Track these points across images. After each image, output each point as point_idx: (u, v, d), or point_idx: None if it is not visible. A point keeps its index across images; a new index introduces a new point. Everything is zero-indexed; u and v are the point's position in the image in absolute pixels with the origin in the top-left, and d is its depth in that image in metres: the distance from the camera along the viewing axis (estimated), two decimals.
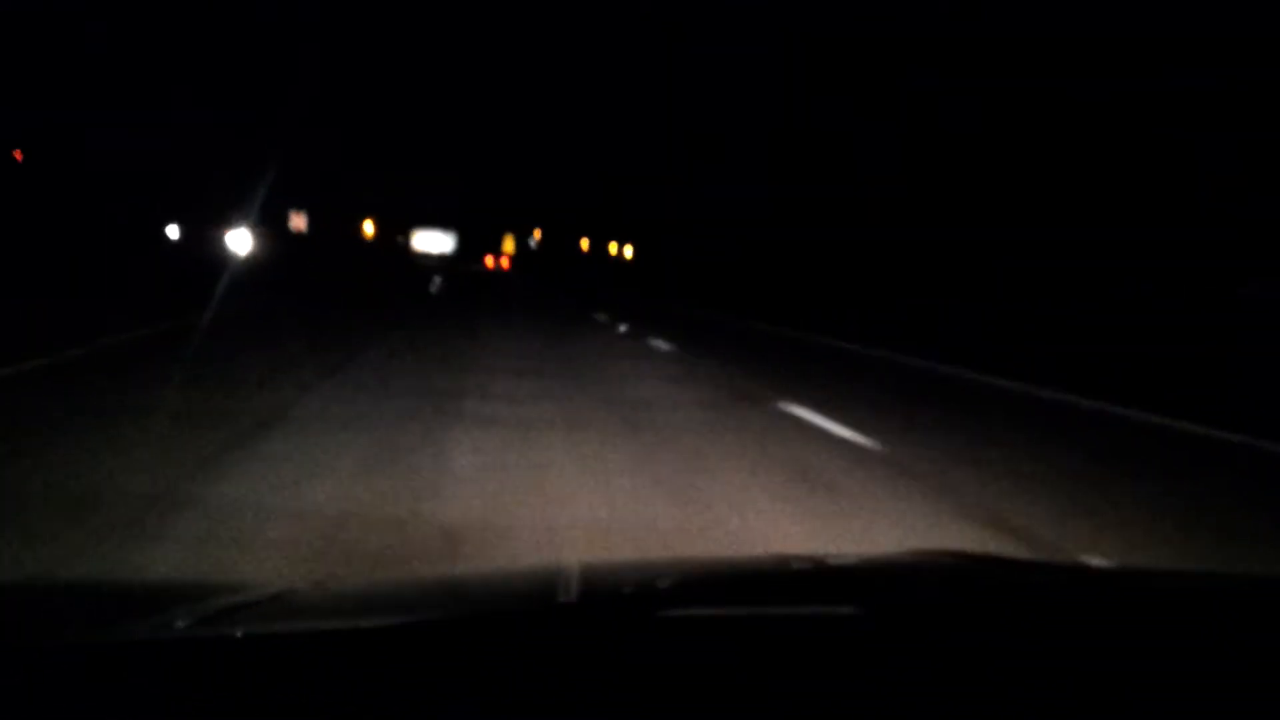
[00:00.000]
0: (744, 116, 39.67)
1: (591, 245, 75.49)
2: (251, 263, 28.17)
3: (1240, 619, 1.19)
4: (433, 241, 76.28)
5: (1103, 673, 0.95)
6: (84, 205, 26.54)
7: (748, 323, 20.48)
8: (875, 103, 27.47)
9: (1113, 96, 19.52)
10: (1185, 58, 17.50)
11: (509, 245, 74.68)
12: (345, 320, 14.10)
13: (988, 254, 21.87)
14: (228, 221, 36.87)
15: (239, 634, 1.05)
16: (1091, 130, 20.39)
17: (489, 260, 74.67)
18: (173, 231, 37.22)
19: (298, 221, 56.66)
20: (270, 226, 45.45)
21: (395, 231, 77.72)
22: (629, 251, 70.28)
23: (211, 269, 18.90)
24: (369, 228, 71.04)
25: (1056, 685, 0.91)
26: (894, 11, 26.63)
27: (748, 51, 36.68)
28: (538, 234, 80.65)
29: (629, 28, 73.24)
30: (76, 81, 27.69)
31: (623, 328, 16.41)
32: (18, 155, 29.12)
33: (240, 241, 35.42)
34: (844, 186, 29.61)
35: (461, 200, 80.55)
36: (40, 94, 26.87)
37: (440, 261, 65.22)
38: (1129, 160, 19.36)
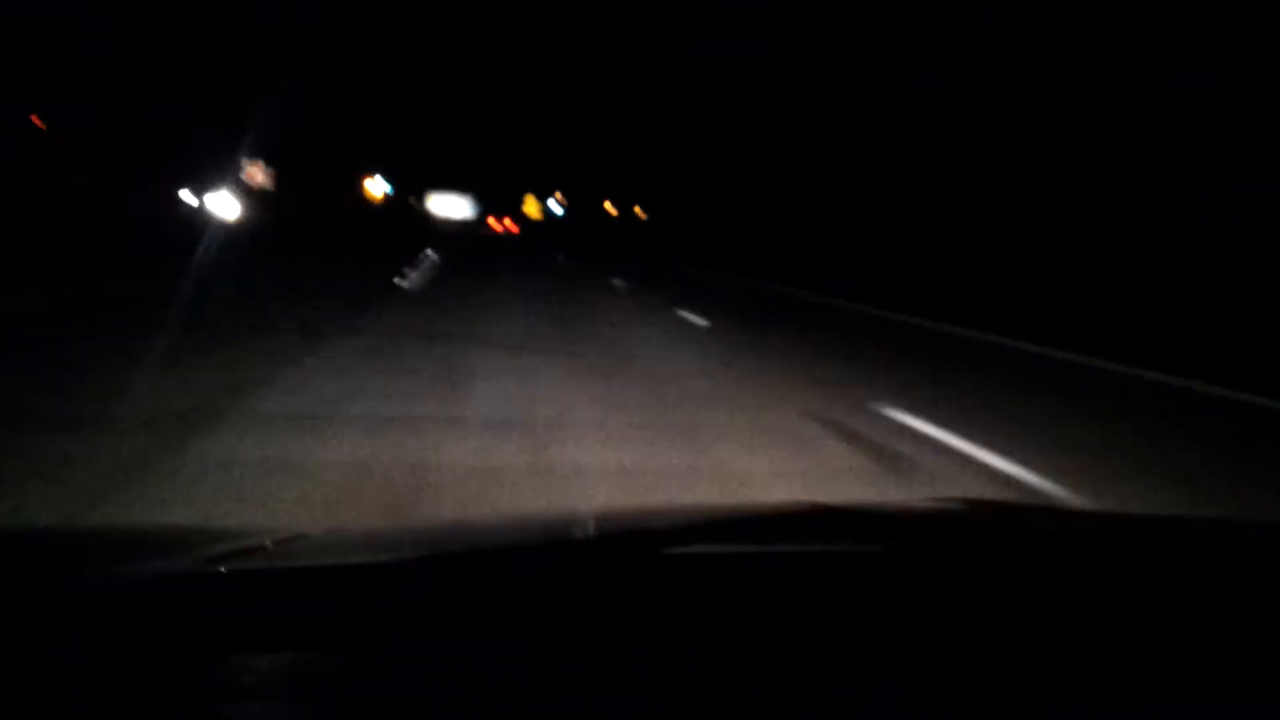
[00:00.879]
0: (744, 117, 39.62)
1: (618, 208, 70.50)
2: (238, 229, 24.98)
3: (1255, 564, 1.18)
4: (450, 206, 72.27)
5: (1109, 615, 0.94)
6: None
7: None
8: (875, 103, 27.49)
9: (1112, 96, 19.55)
10: (1185, 58, 17.54)
11: (531, 207, 70.73)
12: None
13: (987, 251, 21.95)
14: (204, 184, 34.01)
15: (252, 569, 1.05)
16: (1091, 130, 20.42)
17: (494, 223, 71.97)
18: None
19: (256, 175, 44.63)
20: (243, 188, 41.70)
21: (406, 194, 73.40)
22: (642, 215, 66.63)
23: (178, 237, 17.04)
24: (372, 188, 63.02)
25: (1062, 629, 0.90)
26: (894, 11, 26.65)
27: (748, 51, 36.65)
28: (559, 196, 78.00)
29: (629, 28, 72.89)
30: (75, 80, 27.57)
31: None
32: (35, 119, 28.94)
33: (224, 204, 32.26)
34: (844, 186, 29.64)
35: (480, 163, 76.86)
36: (37, 92, 26.76)
37: (460, 227, 61.86)
38: (1128, 160, 19.39)
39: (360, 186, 61.37)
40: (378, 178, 68.78)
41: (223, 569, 1.04)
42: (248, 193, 39.78)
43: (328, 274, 16.59)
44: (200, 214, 30.52)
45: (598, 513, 1.68)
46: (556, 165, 76.37)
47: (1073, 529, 1.43)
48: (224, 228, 24.18)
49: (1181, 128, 18.40)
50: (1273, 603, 1.01)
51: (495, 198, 75.18)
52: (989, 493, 4.27)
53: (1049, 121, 21.39)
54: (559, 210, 79.62)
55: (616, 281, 20.42)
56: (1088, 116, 20.49)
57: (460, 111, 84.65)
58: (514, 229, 70.10)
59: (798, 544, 1.14)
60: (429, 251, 25.65)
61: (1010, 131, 22.57)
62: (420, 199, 73.04)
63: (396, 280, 15.73)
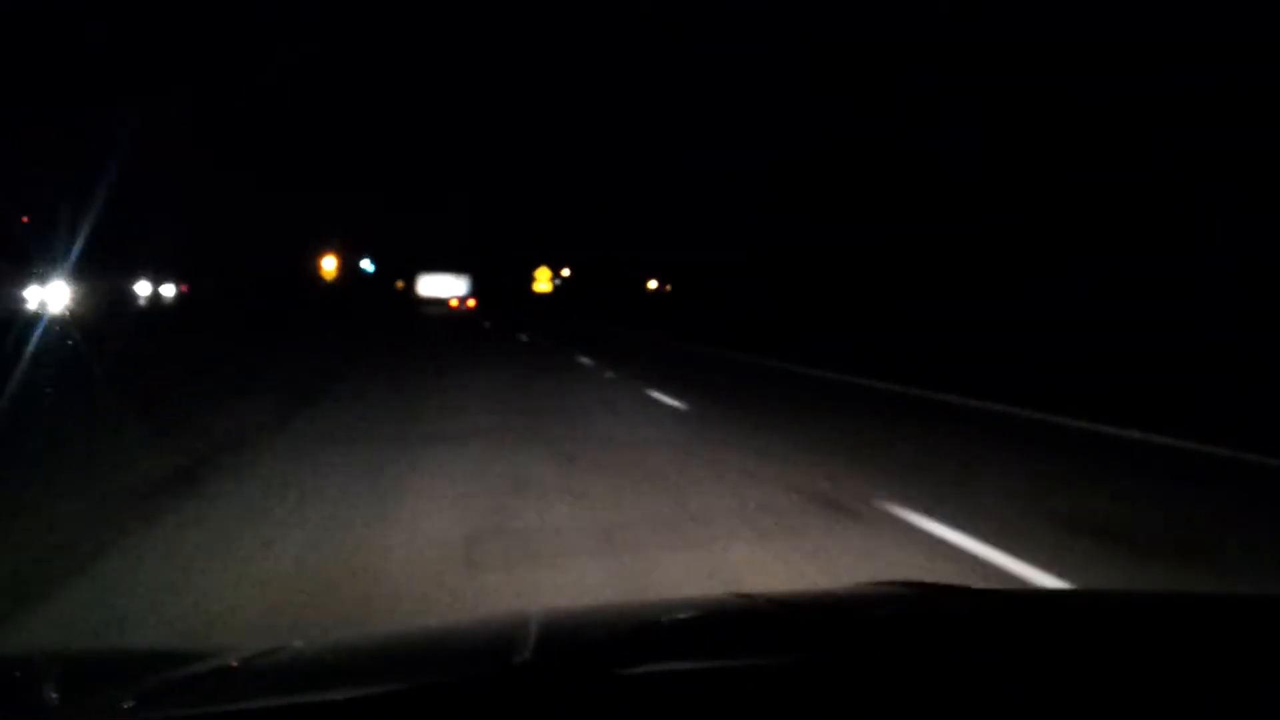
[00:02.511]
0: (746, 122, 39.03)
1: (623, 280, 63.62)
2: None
3: (1197, 637, 1.20)
4: (441, 286, 65.15)
5: (1066, 693, 0.95)
6: None
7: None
8: (875, 103, 27.51)
9: (1113, 96, 19.55)
10: (1185, 58, 17.54)
11: (544, 279, 61.83)
12: None
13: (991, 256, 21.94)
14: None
15: (205, 712, 1.07)
16: (1093, 130, 20.42)
17: (453, 301, 65.88)
18: None
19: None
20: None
21: (392, 276, 68.89)
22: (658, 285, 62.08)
23: None
24: (327, 265, 55.86)
25: (1023, 708, 0.91)
26: (894, 11, 26.67)
27: (748, 52, 36.60)
28: (565, 272, 72.05)
29: (629, 27, 72.06)
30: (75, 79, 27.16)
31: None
32: None
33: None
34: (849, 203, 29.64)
35: (469, 239, 70.60)
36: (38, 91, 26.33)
37: (442, 308, 56.58)
38: (1130, 162, 19.40)
39: (314, 264, 54.84)
40: (366, 260, 65.84)
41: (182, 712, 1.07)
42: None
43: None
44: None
45: (545, 617, 1.62)
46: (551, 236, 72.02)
47: (1013, 607, 1.45)
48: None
49: (1183, 130, 18.39)
50: (1218, 675, 1.02)
51: (493, 275, 68.25)
52: None
53: (1050, 121, 21.37)
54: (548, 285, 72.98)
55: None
56: (1089, 116, 20.46)
57: (452, 180, 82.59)
58: (471, 305, 66.74)
59: (753, 655, 1.14)
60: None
61: (1011, 132, 22.55)
62: (408, 279, 67.84)
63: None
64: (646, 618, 1.50)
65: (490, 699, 0.97)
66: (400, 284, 71.24)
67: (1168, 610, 1.44)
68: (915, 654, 1.13)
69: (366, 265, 70.30)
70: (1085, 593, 2.61)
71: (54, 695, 1.18)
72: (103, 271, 31.21)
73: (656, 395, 11.38)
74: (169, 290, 40.26)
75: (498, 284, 66.93)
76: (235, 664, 1.26)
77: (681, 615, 1.47)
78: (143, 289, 37.03)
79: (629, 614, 1.56)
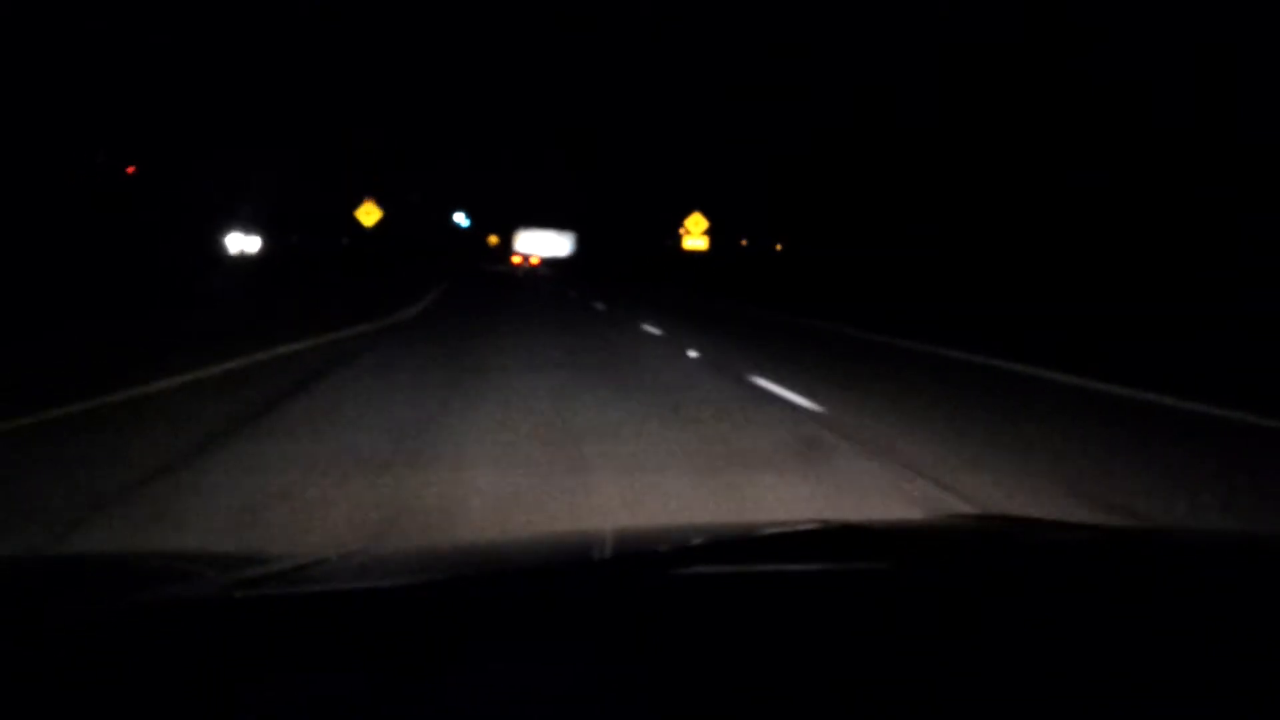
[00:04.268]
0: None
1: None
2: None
3: (1266, 578, 1.18)
4: (542, 244, 59.74)
5: (1125, 631, 0.96)
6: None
7: None
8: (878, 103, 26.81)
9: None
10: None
11: (697, 232, 38.54)
12: None
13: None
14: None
15: (276, 594, 1.08)
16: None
17: (517, 259, 61.06)
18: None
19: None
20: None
21: (487, 230, 63.95)
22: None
23: None
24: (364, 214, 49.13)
25: (1078, 645, 0.91)
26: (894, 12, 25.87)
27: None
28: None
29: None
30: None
31: None
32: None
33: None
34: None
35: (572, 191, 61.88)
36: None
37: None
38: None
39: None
40: (460, 214, 60.22)
41: (239, 595, 1.06)
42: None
43: None
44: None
45: (614, 533, 1.71)
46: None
47: (1080, 540, 1.42)
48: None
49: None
50: (1273, 614, 1.02)
51: (599, 232, 59.04)
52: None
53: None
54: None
55: None
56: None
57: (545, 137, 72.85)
58: (535, 263, 60.18)
59: (807, 563, 1.14)
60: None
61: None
62: (504, 236, 62.41)
63: None
64: (713, 534, 1.54)
65: (564, 590, 1.01)
66: (494, 239, 65.49)
67: (1244, 552, 1.41)
68: (976, 578, 1.13)
69: (460, 219, 64.89)
70: (1176, 531, 2.46)
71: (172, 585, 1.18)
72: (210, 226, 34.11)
73: None
74: (254, 244, 40.93)
75: (612, 242, 57.49)
76: (293, 568, 1.26)
77: (749, 533, 1.48)
78: (234, 242, 38.04)
79: (696, 532, 1.58)
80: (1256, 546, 1.49)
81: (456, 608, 0.94)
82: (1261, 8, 16.28)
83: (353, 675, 0.81)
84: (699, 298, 27.99)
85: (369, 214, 30.74)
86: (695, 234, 39.37)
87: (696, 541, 1.35)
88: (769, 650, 0.88)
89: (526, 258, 61.23)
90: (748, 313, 21.52)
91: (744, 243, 48.82)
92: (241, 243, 38.16)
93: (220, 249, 34.54)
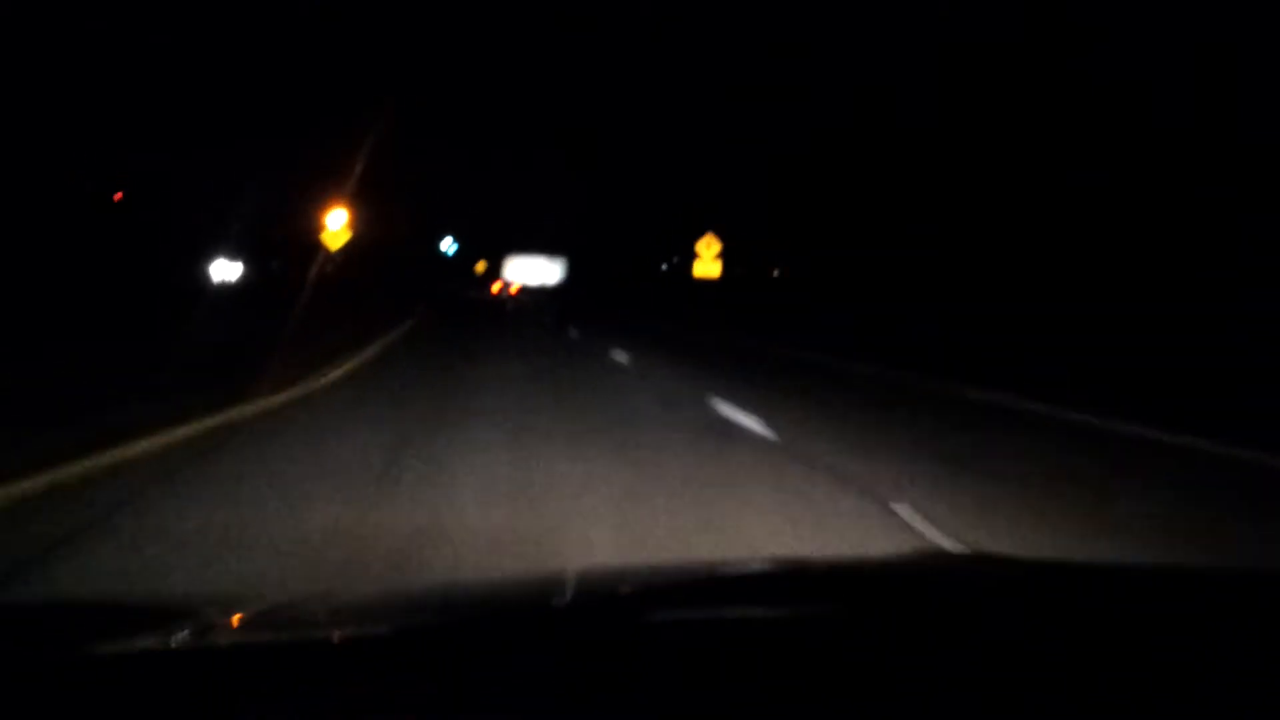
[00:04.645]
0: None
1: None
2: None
3: (1237, 614, 1.17)
4: (530, 271, 57.09)
5: (1095, 667, 0.94)
6: None
7: None
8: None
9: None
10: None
11: (709, 257, 33.27)
12: None
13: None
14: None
15: (236, 643, 1.08)
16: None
17: (496, 287, 59.23)
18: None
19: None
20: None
21: (477, 257, 61.70)
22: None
23: None
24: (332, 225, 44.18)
25: (1050, 681, 0.91)
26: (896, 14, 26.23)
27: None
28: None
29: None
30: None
31: None
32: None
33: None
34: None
35: (561, 218, 58.08)
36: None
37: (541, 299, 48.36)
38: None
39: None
40: (448, 239, 58.19)
41: (181, 646, 1.04)
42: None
43: None
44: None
45: (576, 575, 1.67)
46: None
47: (1041, 578, 1.41)
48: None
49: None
50: (1259, 653, 1.01)
51: (591, 257, 55.63)
52: None
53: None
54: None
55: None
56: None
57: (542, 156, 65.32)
58: (513, 293, 57.99)
59: (772, 607, 1.14)
60: None
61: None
62: (493, 262, 60.52)
63: None
64: (679, 576, 1.53)
65: (525, 638, 0.99)
66: (482, 266, 63.40)
67: (1206, 588, 1.40)
68: (937, 615, 1.12)
69: (447, 246, 61.94)
70: (1142, 567, 2.49)
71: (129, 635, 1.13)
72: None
73: None
74: (236, 270, 40.35)
75: (605, 268, 53.50)
76: (261, 612, 1.26)
77: (712, 574, 1.48)
78: (217, 269, 37.48)
79: (661, 572, 1.58)
80: (1228, 581, 1.49)
81: (413, 657, 0.93)
82: (1261, 8, 16.52)
83: None
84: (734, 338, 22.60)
85: (335, 237, 27.23)
86: (707, 259, 34.08)
87: (656, 584, 1.36)
88: (724, 698, 0.87)
89: (507, 285, 59.62)
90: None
91: (775, 273, 41.76)
92: (225, 270, 37.66)
93: (203, 277, 33.88)
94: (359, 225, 28.84)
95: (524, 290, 57.54)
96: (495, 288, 60.02)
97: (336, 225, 25.31)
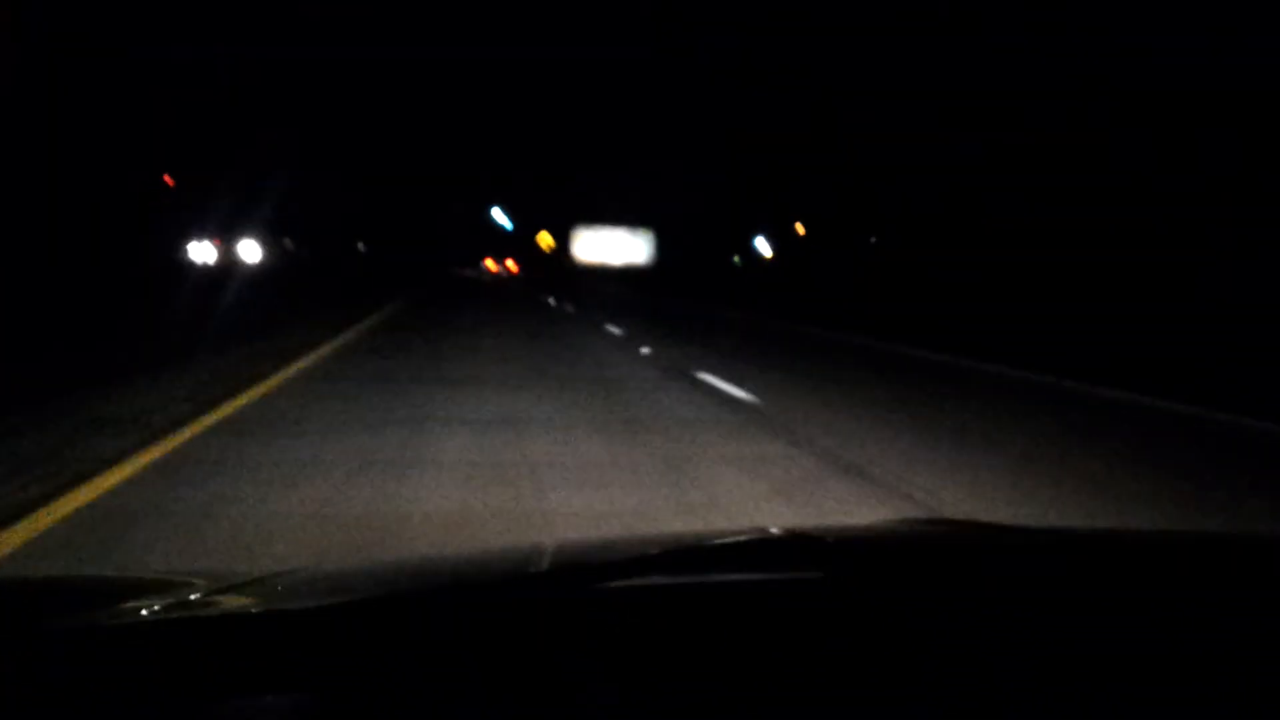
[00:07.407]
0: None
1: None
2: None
3: (1227, 580, 1.18)
4: (608, 248, 46.81)
5: (1080, 635, 0.95)
6: None
7: None
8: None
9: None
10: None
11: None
12: None
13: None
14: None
15: (216, 615, 1.10)
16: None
17: (491, 265, 54.70)
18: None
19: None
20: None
21: (536, 229, 49.94)
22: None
23: None
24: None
25: (1035, 650, 0.91)
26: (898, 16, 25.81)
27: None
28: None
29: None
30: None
31: None
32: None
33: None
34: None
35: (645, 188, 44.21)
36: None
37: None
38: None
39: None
40: (496, 209, 49.95)
41: (156, 618, 1.06)
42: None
43: None
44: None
45: (554, 545, 1.66)
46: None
47: (1030, 544, 1.41)
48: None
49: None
50: (1247, 619, 1.01)
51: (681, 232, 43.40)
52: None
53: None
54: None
55: None
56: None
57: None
58: (513, 270, 50.94)
59: (749, 573, 1.10)
60: None
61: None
62: (561, 237, 49.61)
63: None
64: (658, 544, 1.45)
65: (501, 605, 0.99)
66: (546, 241, 50.51)
67: (1203, 553, 1.41)
68: (921, 584, 1.11)
69: (500, 217, 51.41)
70: (1136, 533, 2.50)
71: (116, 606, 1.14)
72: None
73: None
74: (255, 253, 41.76)
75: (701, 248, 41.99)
76: (241, 584, 1.28)
77: (693, 543, 1.42)
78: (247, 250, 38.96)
79: (642, 543, 1.54)
80: (1221, 546, 1.53)
81: (389, 627, 0.94)
82: (1262, 7, 16.44)
83: (279, 698, 0.82)
84: None
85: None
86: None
87: (636, 554, 1.32)
88: (708, 664, 0.88)
89: (501, 264, 52.32)
90: None
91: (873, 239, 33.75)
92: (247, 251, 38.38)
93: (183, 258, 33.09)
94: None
95: (523, 269, 48.35)
96: (491, 266, 51.82)
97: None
